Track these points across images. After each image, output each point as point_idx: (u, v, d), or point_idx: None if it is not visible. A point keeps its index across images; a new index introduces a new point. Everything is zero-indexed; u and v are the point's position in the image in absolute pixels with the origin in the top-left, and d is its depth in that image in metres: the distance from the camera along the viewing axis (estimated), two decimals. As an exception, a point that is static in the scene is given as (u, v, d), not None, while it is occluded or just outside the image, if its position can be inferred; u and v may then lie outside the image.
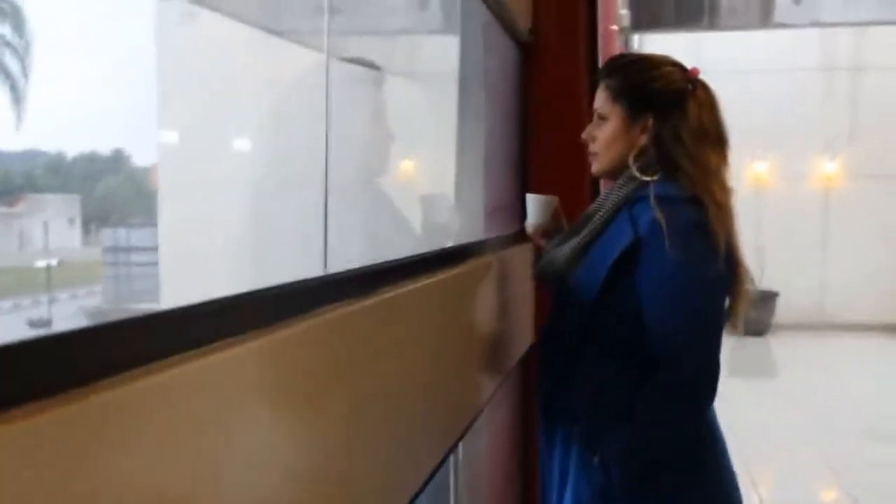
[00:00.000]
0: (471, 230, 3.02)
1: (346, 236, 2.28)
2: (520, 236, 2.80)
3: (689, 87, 2.30)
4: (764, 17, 10.09)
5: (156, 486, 0.88)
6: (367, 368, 1.53)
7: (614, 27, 5.90)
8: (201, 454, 0.96)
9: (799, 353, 12.34)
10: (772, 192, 13.75)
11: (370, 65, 2.59)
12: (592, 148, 2.37)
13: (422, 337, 1.89)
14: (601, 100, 2.36)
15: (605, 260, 2.23)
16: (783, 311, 13.47)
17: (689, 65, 2.35)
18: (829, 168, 14.16)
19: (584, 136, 2.39)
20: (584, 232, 2.33)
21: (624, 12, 8.63)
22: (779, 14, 10.28)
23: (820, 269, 14.04)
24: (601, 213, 2.32)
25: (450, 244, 2.74)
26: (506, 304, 2.66)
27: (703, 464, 2.25)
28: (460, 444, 2.54)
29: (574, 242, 2.33)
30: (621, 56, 2.43)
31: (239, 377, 1.06)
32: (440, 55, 3.43)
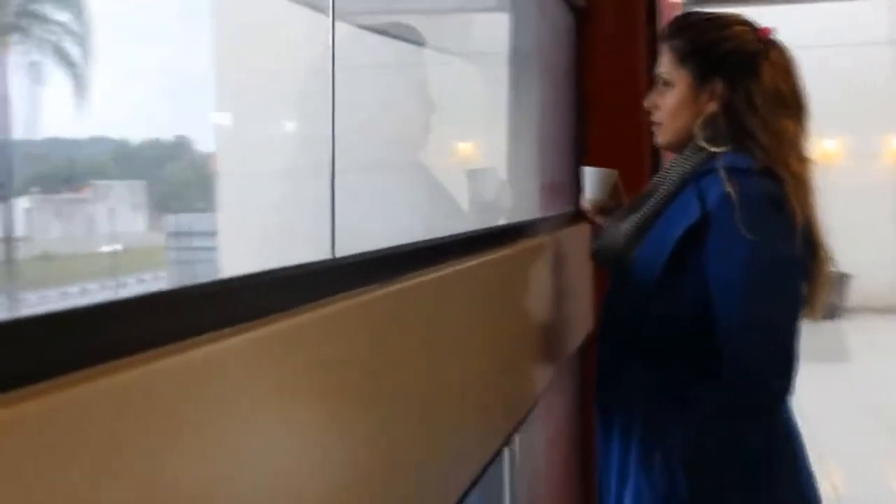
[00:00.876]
0: (524, 209, 2.83)
1: (373, 215, 2.11)
2: (577, 216, 2.60)
3: (763, 48, 2.09)
4: (833, -12, 9.74)
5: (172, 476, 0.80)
6: (412, 355, 1.39)
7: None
8: (224, 445, 0.88)
9: (872, 336, 12.03)
10: (841, 170, 13.35)
11: (410, 37, 2.41)
12: (655, 117, 2.17)
13: (469, 321, 1.71)
14: (665, 63, 2.15)
15: (668, 238, 2.02)
16: (855, 293, 13.12)
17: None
18: (901, 144, 13.74)
19: (646, 103, 2.18)
20: (646, 208, 2.13)
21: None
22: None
23: (893, 250, 13.63)
24: (664, 187, 2.11)
25: (501, 223, 2.55)
26: (561, 288, 2.47)
27: (778, 466, 2.03)
28: (516, 438, 2.36)
29: (634, 219, 2.13)
30: (687, 15, 2.22)
31: (265, 362, 0.97)
32: (490, 30, 3.27)
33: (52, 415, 0.67)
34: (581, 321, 2.72)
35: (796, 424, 2.10)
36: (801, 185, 2.02)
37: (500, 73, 2.99)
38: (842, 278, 12.75)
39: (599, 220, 2.33)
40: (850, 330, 12.02)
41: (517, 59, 2.94)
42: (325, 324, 1.11)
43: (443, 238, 1.73)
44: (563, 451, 3.00)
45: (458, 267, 1.63)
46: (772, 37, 2.12)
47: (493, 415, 1.91)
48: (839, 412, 7.83)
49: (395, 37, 2.51)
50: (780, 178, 1.99)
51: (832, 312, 12.55)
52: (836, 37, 12.95)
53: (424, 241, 1.62)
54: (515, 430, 2.11)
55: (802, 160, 2.07)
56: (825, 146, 13.51)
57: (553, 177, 3.01)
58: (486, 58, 3.39)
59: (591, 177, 2.28)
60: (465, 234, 1.88)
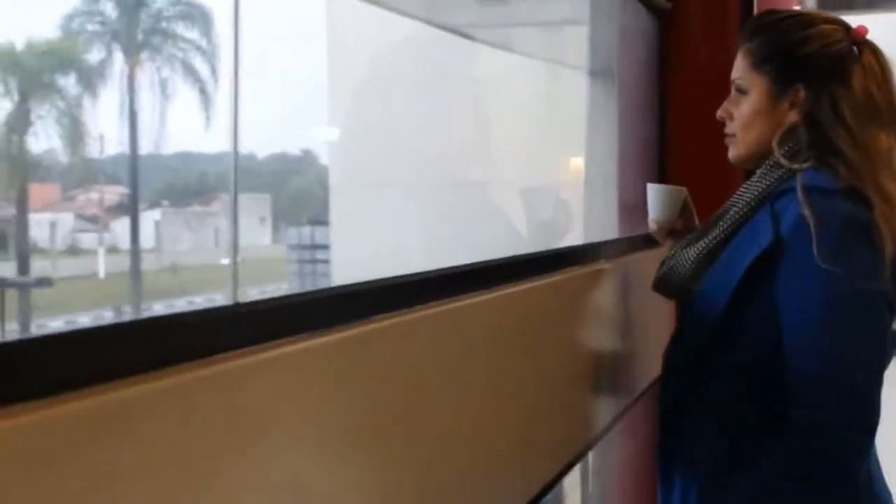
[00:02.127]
0: (601, 229, 2.60)
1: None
2: (652, 240, 2.36)
3: (854, 49, 1.82)
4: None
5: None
6: (444, 383, 1.29)
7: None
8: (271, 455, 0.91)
9: None
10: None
11: (462, 32, 2.22)
12: (729, 128, 1.92)
13: (501, 354, 1.51)
14: (740, 68, 1.90)
15: (736, 267, 1.77)
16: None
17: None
18: None
19: (719, 113, 1.93)
20: (716, 231, 1.87)
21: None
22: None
23: None
24: (736, 209, 1.86)
25: (562, 244, 2.33)
26: (627, 320, 2.23)
27: None
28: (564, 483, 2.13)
29: (702, 244, 1.88)
30: (767, 13, 1.95)
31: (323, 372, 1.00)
32: (569, 39, 3.08)
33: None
34: (652, 357, 2.47)
35: (880, 482, 1.82)
36: (893, 207, 1.75)
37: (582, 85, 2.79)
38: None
39: (667, 244, 2.08)
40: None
41: (596, 69, 2.71)
42: (374, 343, 1.10)
43: (490, 261, 1.54)
44: (632, 499, 2.73)
45: (508, 290, 1.48)
46: (866, 37, 1.85)
47: (531, 460, 1.70)
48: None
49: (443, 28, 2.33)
50: (869, 198, 1.72)
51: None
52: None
53: (471, 265, 1.43)
54: (561, 475, 1.88)
55: (895, 179, 1.79)
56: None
57: (633, 196, 2.77)
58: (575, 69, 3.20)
59: (655, 195, 2.03)
60: (512, 258, 1.67)
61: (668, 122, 2.83)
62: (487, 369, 1.41)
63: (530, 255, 1.72)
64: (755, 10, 2.86)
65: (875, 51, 1.84)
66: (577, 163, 3.27)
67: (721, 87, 2.76)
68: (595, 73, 2.70)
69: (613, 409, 2.18)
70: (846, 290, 1.67)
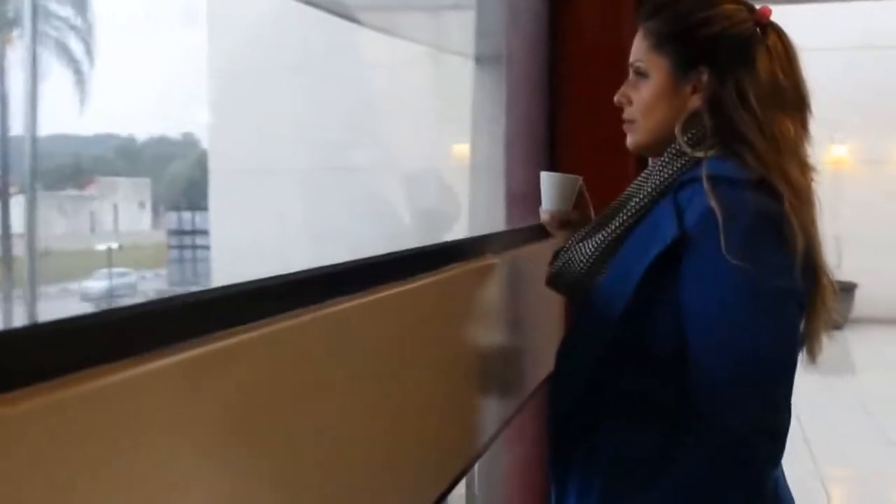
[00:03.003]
0: (487, 221, 2.45)
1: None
2: (542, 230, 2.22)
3: (759, 31, 1.71)
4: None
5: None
6: (333, 389, 1.16)
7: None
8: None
9: (879, 349, 11.65)
10: (850, 177, 12.93)
11: (343, 13, 2.04)
12: (628, 113, 1.79)
13: (395, 353, 1.36)
14: (639, 49, 1.77)
15: (638, 262, 1.64)
16: (862, 303, 12.73)
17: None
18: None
19: (616, 98, 1.80)
20: (615, 224, 1.74)
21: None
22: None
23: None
24: (637, 200, 1.73)
25: (450, 236, 2.18)
26: (517, 317, 2.09)
27: None
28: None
29: (600, 238, 1.75)
30: None
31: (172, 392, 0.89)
32: (456, 24, 2.94)
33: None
34: (544, 355, 2.34)
35: (787, 496, 1.72)
36: (803, 199, 1.64)
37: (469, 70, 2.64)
38: (849, 288, 12.35)
39: (560, 236, 1.94)
40: (856, 342, 11.59)
41: (483, 54, 2.57)
42: (243, 353, 0.98)
43: (372, 259, 1.37)
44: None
45: (390, 291, 1.33)
46: (771, 18, 1.74)
47: (419, 472, 1.54)
48: (844, 428, 7.45)
49: (325, 9, 2.15)
50: (778, 190, 1.61)
51: (838, 323, 12.13)
52: (850, 39, 12.47)
53: (352, 263, 1.27)
54: (449, 489, 1.73)
55: (804, 169, 1.68)
56: (836, 152, 13.10)
57: (522, 185, 2.63)
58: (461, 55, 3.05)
59: (549, 183, 1.89)
60: (395, 254, 1.50)
61: (559, 107, 2.69)
62: (370, 379, 1.26)
63: (415, 250, 1.56)
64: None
65: (780, 33, 1.73)
66: (463, 149, 3.13)
67: (614, 70, 2.64)
68: (482, 58, 2.56)
69: (504, 411, 2.04)
70: (756, 287, 1.55)
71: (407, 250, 1.50)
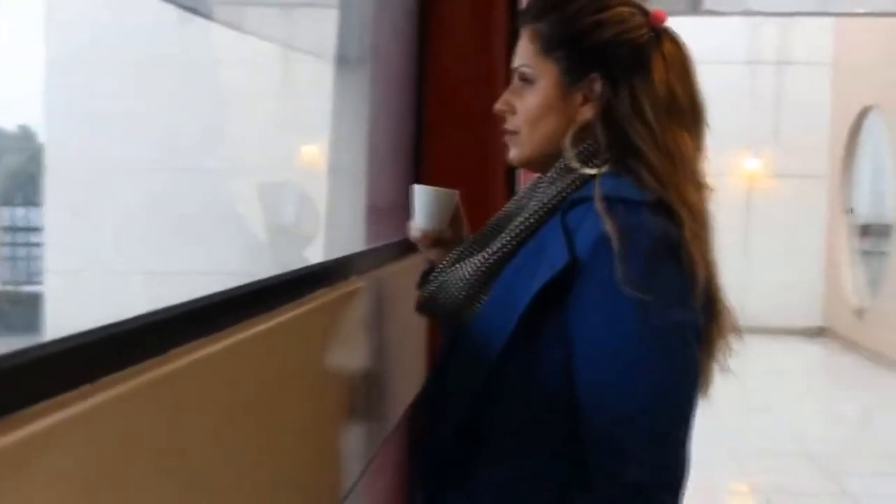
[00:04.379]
0: (346, 239, 2.25)
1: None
2: (407, 246, 2.02)
3: (655, 37, 1.56)
4: (693, 3, 9.49)
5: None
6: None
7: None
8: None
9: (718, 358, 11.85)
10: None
11: (192, 7, 1.82)
12: (511, 124, 1.61)
13: (242, 406, 1.13)
14: (525, 53, 1.60)
15: (522, 291, 1.47)
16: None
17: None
18: (752, 165, 13.68)
19: (497, 106, 1.63)
20: (495, 246, 1.57)
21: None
22: (709, 1, 9.71)
23: (742, 270, 13.54)
24: (521, 220, 1.56)
25: (308, 253, 1.98)
26: (383, 344, 1.89)
27: None
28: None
29: (479, 260, 1.57)
30: None
31: None
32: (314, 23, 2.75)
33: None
34: (410, 379, 2.15)
35: None
36: (701, 223, 1.50)
37: (329, 71, 2.44)
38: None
39: (433, 255, 1.75)
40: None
41: (345, 54, 2.37)
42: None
43: (222, 293, 1.15)
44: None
45: (246, 334, 1.10)
46: (665, 24, 1.60)
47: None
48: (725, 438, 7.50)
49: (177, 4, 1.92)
50: (677, 212, 1.46)
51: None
52: (694, 54, 12.74)
53: (201, 299, 1.05)
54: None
55: (699, 188, 1.55)
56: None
57: (385, 197, 2.44)
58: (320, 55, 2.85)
59: (423, 198, 1.70)
60: (250, 286, 1.28)
61: (427, 114, 2.51)
62: (220, 437, 1.04)
63: (274, 279, 1.34)
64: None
65: (675, 40, 1.59)
66: (313, 153, 2.93)
67: (484, 74, 2.50)
68: (344, 59, 2.35)
69: (371, 447, 1.84)
70: (656, 321, 1.40)
71: (265, 280, 1.29)
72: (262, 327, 1.12)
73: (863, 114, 12.79)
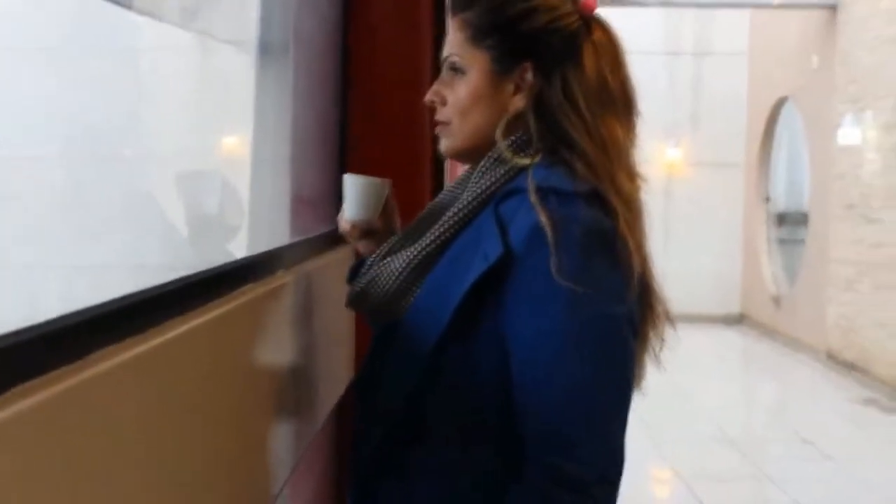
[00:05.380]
0: (270, 232, 2.19)
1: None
2: (337, 238, 1.98)
3: (585, 25, 1.54)
4: (614, -8, 9.55)
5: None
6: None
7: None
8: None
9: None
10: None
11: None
12: (441, 115, 1.57)
13: (166, 410, 1.07)
14: (455, 43, 1.56)
15: (456, 284, 1.44)
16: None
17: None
18: (671, 154, 13.84)
19: (428, 97, 1.59)
20: (427, 238, 1.53)
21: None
22: (629, -10, 9.77)
23: (661, 258, 13.69)
24: (453, 212, 1.52)
25: (232, 247, 1.92)
26: (311, 340, 1.85)
27: None
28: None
29: (410, 254, 1.53)
30: None
31: None
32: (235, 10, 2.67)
33: None
34: (337, 375, 2.11)
35: None
36: (635, 213, 1.49)
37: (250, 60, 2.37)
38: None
39: (363, 247, 1.71)
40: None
41: (266, 42, 2.30)
42: None
43: (144, 292, 1.09)
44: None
45: (170, 335, 1.04)
46: (596, 12, 1.57)
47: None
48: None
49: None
50: (610, 202, 1.44)
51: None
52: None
53: (122, 298, 0.99)
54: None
55: (633, 178, 1.53)
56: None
57: (310, 188, 2.38)
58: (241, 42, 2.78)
59: (353, 188, 1.65)
60: (173, 283, 1.21)
61: (352, 103, 2.46)
62: (145, 442, 0.98)
63: (199, 275, 1.29)
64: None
65: (605, 28, 1.57)
66: (233, 143, 2.87)
67: (410, 61, 2.45)
68: (265, 47, 2.29)
69: (299, 445, 1.79)
70: (591, 313, 1.38)
71: (187, 277, 1.23)
72: (184, 328, 1.06)
73: (779, 104, 13.01)
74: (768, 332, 12.76)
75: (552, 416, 1.38)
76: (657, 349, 1.57)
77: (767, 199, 13.61)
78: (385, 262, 1.57)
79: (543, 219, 1.38)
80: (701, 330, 12.44)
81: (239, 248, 2.15)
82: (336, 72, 2.45)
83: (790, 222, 13.52)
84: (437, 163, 2.45)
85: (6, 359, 0.73)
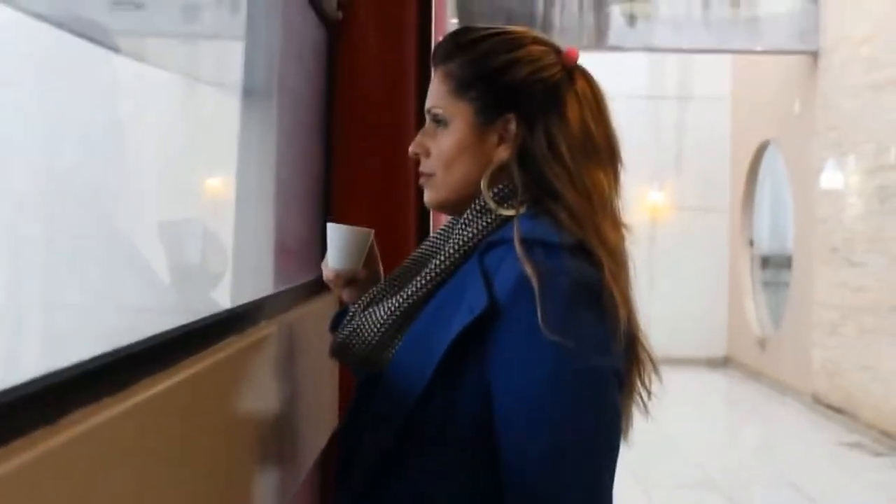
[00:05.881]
0: (254, 280, 2.18)
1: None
2: (320, 286, 1.96)
3: (567, 75, 1.54)
4: (598, 38, 9.63)
5: None
6: None
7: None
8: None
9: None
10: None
11: (98, 37, 1.74)
12: (425, 166, 1.57)
13: (147, 469, 1.05)
14: (438, 94, 1.56)
15: (439, 336, 1.43)
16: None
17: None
18: (655, 198, 13.89)
19: (412, 149, 1.58)
20: (411, 289, 1.52)
21: (454, 21, 7.94)
22: (613, 36, 9.86)
23: (645, 302, 13.69)
24: (437, 262, 1.52)
25: (218, 294, 1.90)
26: (295, 391, 1.83)
27: None
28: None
29: (393, 304, 1.52)
30: (464, 31, 1.62)
31: None
32: (219, 54, 2.67)
33: None
34: (321, 425, 2.09)
35: None
36: (620, 264, 1.48)
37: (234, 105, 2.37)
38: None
39: (346, 295, 1.69)
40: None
41: (251, 87, 2.30)
42: None
43: (135, 345, 1.08)
44: None
45: (152, 391, 1.02)
46: (578, 62, 1.58)
47: None
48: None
49: (78, 34, 1.84)
50: (595, 254, 1.43)
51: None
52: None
53: (104, 356, 0.97)
54: None
55: (617, 227, 1.53)
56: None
57: (294, 234, 2.38)
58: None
59: (337, 237, 1.65)
60: (156, 338, 1.20)
61: (336, 150, 2.45)
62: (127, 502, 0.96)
63: (181, 328, 1.28)
64: (434, 24, 2.55)
65: (587, 77, 1.58)
66: (215, 186, 2.86)
67: (395, 112, 2.45)
68: (250, 91, 2.29)
69: (283, 498, 1.77)
70: (577, 366, 1.37)
71: (170, 331, 1.22)
72: (166, 384, 1.05)
73: (762, 147, 13.10)
74: (753, 374, 12.75)
75: (534, 471, 1.36)
76: (644, 399, 1.56)
77: (751, 243, 13.66)
78: (368, 311, 1.56)
79: (529, 270, 1.37)
80: (686, 373, 12.43)
81: (222, 296, 2.14)
82: (321, 119, 2.45)
83: (774, 265, 13.56)
84: (422, 211, 2.45)
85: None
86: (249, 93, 2.31)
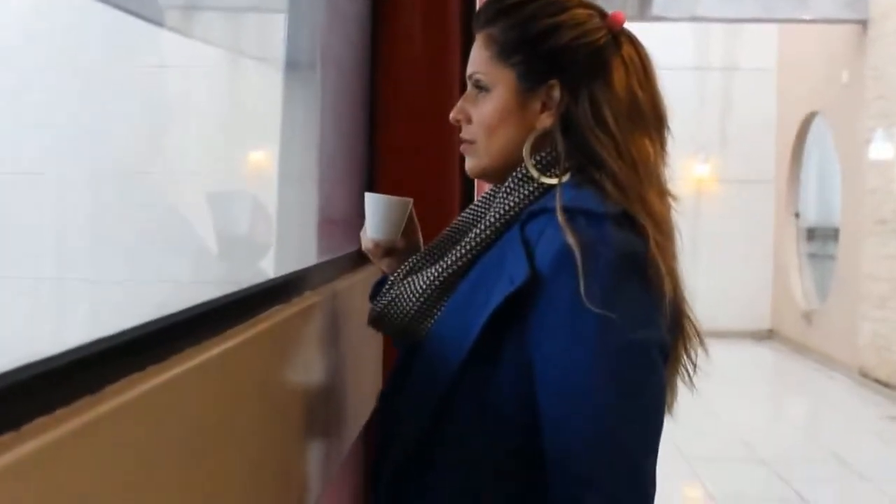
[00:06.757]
0: (298, 252, 2.19)
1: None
2: (362, 258, 1.97)
3: (613, 40, 1.52)
4: (642, 8, 9.53)
5: None
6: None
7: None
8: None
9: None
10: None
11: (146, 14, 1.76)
12: (467, 133, 1.56)
13: (197, 436, 1.06)
14: (480, 60, 1.54)
15: (479, 307, 1.42)
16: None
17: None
18: (700, 171, 13.76)
19: (453, 115, 1.57)
20: (450, 258, 1.51)
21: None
22: (657, 6, 9.75)
23: (690, 275, 13.61)
24: (477, 232, 1.50)
25: (264, 264, 1.91)
26: (339, 361, 1.83)
27: None
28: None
29: (433, 273, 1.52)
30: None
31: None
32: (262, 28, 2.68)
33: None
34: (366, 395, 2.09)
35: None
36: (665, 234, 1.46)
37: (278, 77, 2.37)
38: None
39: (385, 265, 1.69)
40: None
41: (294, 60, 2.30)
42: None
43: (182, 313, 1.08)
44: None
45: (200, 359, 1.03)
46: (624, 26, 1.55)
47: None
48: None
49: (127, 10, 1.85)
50: (641, 224, 1.41)
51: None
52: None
53: (152, 323, 0.98)
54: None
55: (664, 197, 1.50)
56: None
57: (338, 205, 2.38)
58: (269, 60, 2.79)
59: (375, 207, 1.64)
60: (202, 306, 1.20)
61: (380, 120, 2.45)
62: (177, 470, 0.97)
63: (228, 297, 1.28)
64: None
65: (634, 42, 1.55)
66: (259, 158, 2.87)
67: (438, 78, 2.44)
68: (293, 64, 2.29)
69: (328, 467, 1.78)
70: (622, 340, 1.35)
71: (216, 300, 1.22)
72: (214, 352, 1.05)
73: (808, 119, 12.92)
74: (799, 347, 12.65)
75: (576, 446, 1.34)
76: (690, 373, 1.54)
77: (797, 215, 13.51)
78: (406, 281, 1.55)
79: (572, 241, 1.35)
80: (731, 346, 12.34)
81: (268, 266, 2.15)
82: (364, 88, 2.45)
83: (820, 237, 13.41)
84: (466, 180, 2.44)
85: (28, 391, 0.72)
86: (292, 65, 2.31)
